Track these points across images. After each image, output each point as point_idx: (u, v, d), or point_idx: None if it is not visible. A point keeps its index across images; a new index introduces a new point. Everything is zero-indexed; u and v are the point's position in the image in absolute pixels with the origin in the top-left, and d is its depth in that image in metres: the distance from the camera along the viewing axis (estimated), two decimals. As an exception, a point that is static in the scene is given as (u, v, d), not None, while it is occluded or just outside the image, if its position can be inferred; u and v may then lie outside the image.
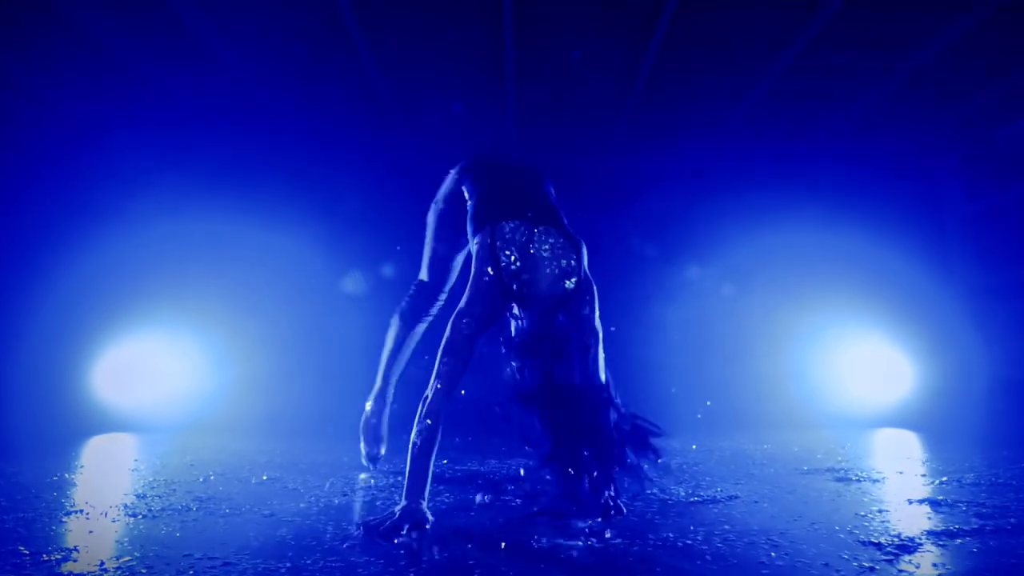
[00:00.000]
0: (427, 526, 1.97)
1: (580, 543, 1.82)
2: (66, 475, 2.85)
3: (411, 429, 2.13)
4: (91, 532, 1.93)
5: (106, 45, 4.09)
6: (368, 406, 2.89)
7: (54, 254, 4.65)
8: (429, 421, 2.11)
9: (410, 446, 2.10)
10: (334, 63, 4.54)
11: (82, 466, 3.14)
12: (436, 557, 1.74)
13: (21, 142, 4.81)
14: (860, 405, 5.06)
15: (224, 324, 4.90)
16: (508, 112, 5.36)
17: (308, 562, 1.66)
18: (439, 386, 2.15)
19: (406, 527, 1.93)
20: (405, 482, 2.06)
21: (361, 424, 2.89)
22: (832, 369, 5.24)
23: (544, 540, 1.85)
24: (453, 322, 2.22)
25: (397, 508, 2.00)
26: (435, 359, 2.21)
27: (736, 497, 2.37)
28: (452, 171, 2.86)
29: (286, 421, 4.67)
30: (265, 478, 2.76)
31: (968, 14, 3.82)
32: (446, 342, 2.20)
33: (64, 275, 4.58)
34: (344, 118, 5.44)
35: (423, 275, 2.99)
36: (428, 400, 2.15)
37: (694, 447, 3.68)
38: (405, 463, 2.08)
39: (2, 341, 4.37)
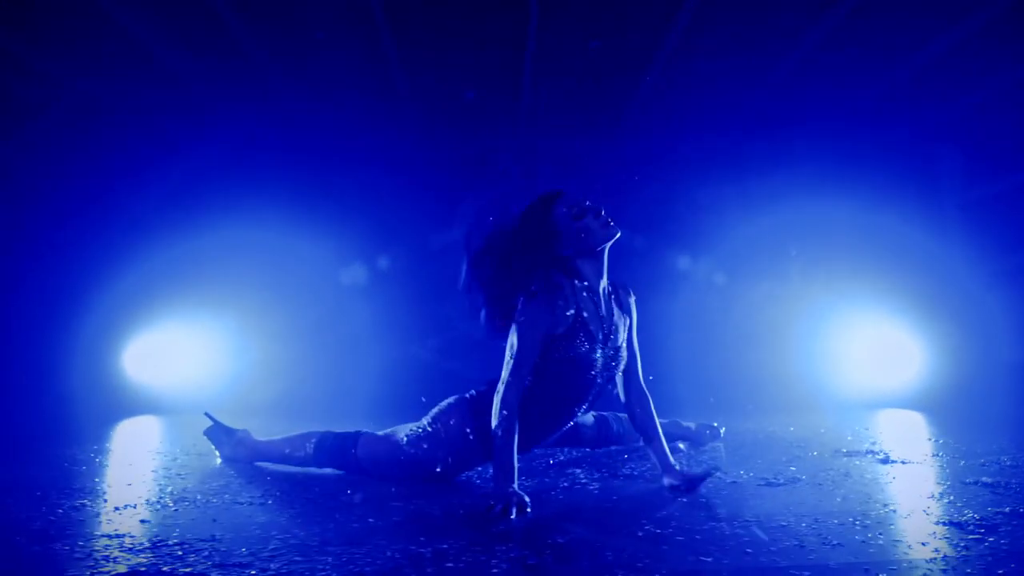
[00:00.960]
0: (527, 508, 1.97)
1: (673, 527, 1.86)
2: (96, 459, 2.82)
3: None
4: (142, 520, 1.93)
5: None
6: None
7: (104, 264, 4.71)
8: (505, 412, 2.14)
9: (493, 439, 2.13)
10: (353, 49, 4.48)
11: (110, 450, 3.11)
12: (560, 540, 1.75)
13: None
14: (863, 387, 5.18)
15: (247, 315, 4.96)
16: (523, 100, 5.34)
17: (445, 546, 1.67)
18: (510, 378, 2.18)
19: (512, 510, 1.93)
20: (494, 473, 2.11)
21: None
22: (835, 351, 5.36)
23: (644, 522, 1.88)
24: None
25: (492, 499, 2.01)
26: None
27: (799, 480, 2.43)
28: None
29: (301, 403, 4.71)
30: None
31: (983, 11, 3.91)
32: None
33: (117, 277, 4.63)
34: (358, 108, 5.38)
35: None
36: (502, 392, 2.17)
37: (723, 431, 3.75)
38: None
39: (63, 333, 4.53)
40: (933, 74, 4.88)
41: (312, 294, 5.21)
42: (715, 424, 3.34)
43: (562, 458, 2.89)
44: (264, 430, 2.88)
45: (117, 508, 2.03)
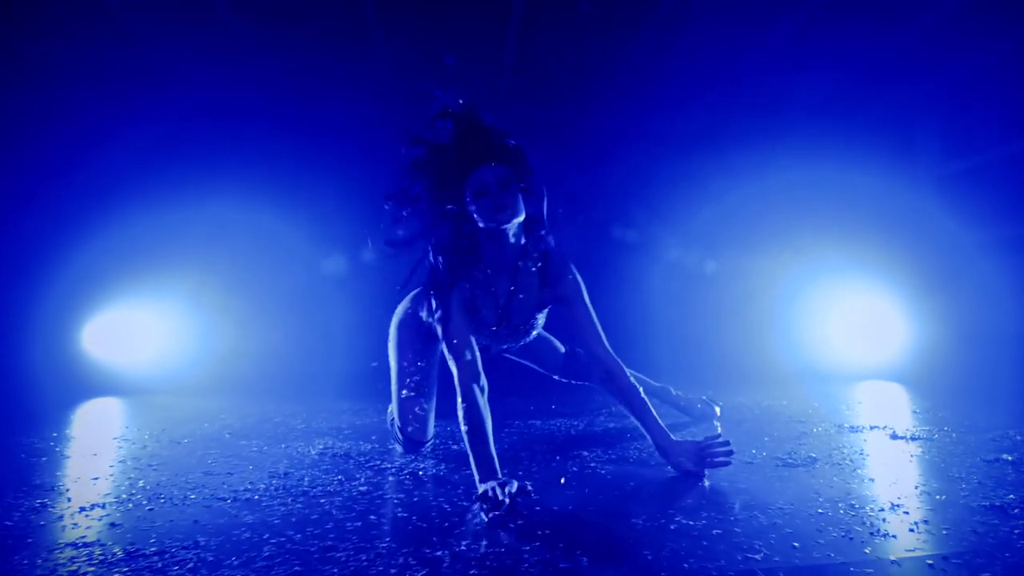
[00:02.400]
0: (529, 488, 1.75)
1: (706, 519, 1.69)
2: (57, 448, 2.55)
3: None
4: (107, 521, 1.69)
5: None
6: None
7: (62, 238, 4.30)
8: (465, 404, 2.02)
9: (465, 438, 1.99)
10: (328, 9, 4.17)
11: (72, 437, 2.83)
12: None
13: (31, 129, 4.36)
14: (842, 358, 5.11)
15: (213, 291, 4.67)
16: (506, 67, 5.08)
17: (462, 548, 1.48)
18: (457, 371, 2.09)
19: (502, 492, 1.72)
20: (475, 471, 1.90)
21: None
22: (815, 321, 5.27)
23: (673, 513, 1.71)
24: None
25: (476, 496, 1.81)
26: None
27: (816, 459, 2.29)
28: None
29: (269, 382, 4.47)
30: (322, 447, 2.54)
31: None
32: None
33: (75, 255, 4.25)
34: (333, 73, 5.05)
35: None
36: (458, 389, 2.06)
37: (719, 409, 3.61)
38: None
39: (16, 311, 4.19)
40: (920, 46, 4.77)
41: (282, 271, 4.93)
42: (704, 398, 3.18)
43: (563, 438, 2.71)
44: (236, 410, 2.63)
45: (83, 509, 1.79)
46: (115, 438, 2.80)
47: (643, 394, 2.30)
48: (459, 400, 2.03)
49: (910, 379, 4.67)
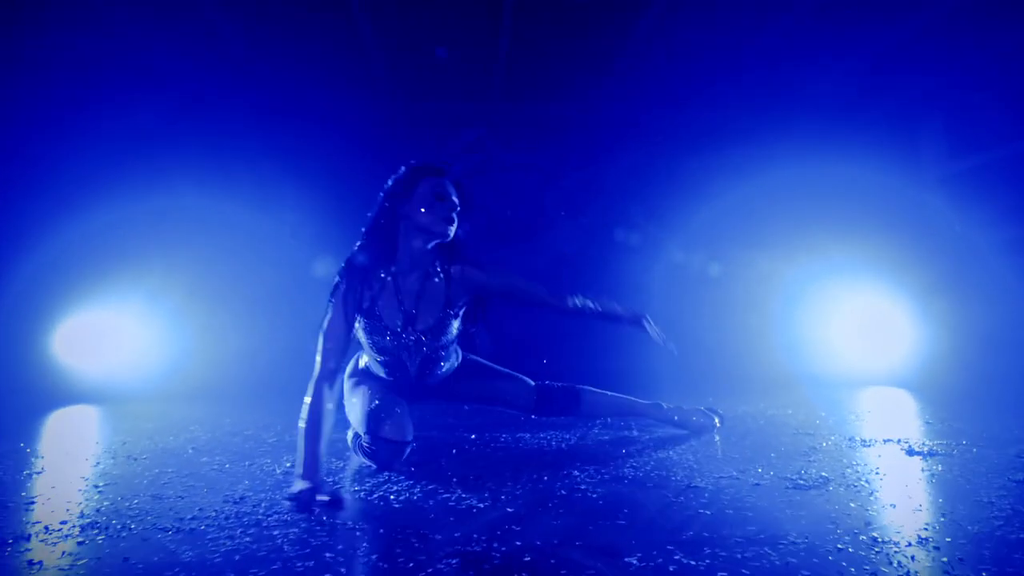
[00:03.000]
0: (340, 506, 1.81)
1: (717, 553, 1.47)
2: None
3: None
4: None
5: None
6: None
7: (24, 227, 4.03)
8: (306, 399, 2.06)
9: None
10: (322, 16, 3.98)
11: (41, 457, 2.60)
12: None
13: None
14: (845, 363, 4.90)
15: (192, 292, 4.40)
16: (500, 59, 4.86)
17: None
18: (315, 366, 2.14)
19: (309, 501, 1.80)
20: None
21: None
22: (818, 326, 5.06)
23: (679, 549, 1.49)
24: None
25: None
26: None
27: (828, 480, 2.07)
28: None
29: (251, 387, 4.24)
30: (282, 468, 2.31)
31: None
32: None
33: (35, 248, 3.98)
34: (318, 65, 4.84)
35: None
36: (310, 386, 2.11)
37: (718, 420, 3.40)
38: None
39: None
40: (923, 42, 4.58)
41: (266, 271, 4.70)
42: (703, 408, 2.97)
43: (553, 454, 2.48)
44: (207, 420, 2.41)
45: (1, 544, 1.56)
46: (67, 454, 2.58)
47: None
48: (306, 397, 2.06)
49: (917, 385, 4.47)
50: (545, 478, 2.12)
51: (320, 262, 5.29)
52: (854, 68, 5.03)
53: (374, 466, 2.27)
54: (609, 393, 2.77)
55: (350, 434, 2.52)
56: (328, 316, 2.20)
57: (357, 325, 2.30)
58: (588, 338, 5.34)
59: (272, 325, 4.65)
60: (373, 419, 2.25)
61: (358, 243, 2.32)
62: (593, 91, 5.39)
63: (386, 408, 2.27)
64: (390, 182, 2.34)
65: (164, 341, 4.36)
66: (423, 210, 2.22)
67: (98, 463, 2.41)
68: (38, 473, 2.27)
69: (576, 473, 2.18)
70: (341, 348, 2.18)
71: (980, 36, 4.47)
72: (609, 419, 3.12)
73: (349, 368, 2.56)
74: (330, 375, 2.11)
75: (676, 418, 2.86)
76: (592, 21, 4.50)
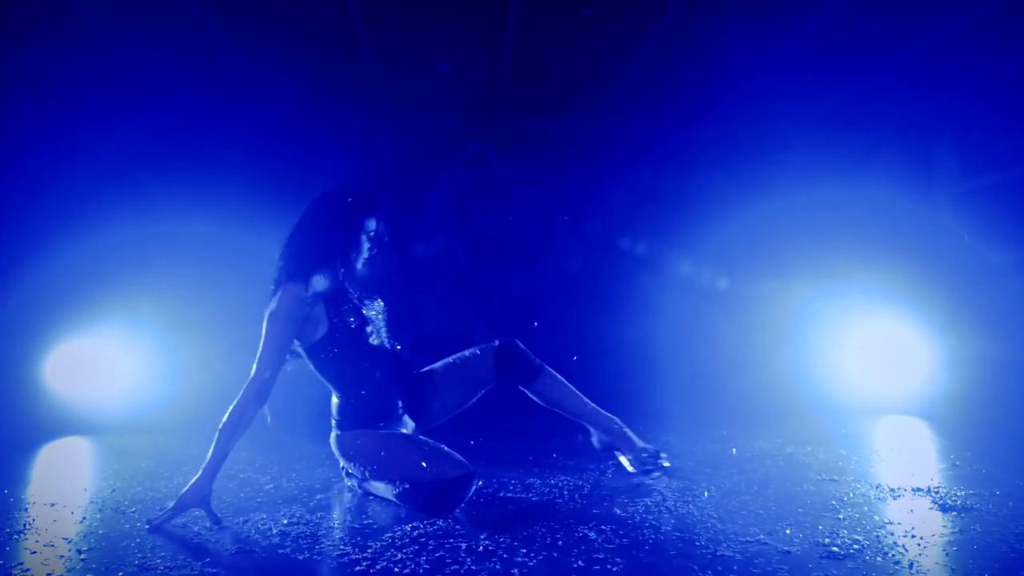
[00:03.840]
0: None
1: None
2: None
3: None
4: None
5: None
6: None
7: (12, 250, 3.90)
8: (238, 408, 2.24)
9: None
10: (310, 8, 3.83)
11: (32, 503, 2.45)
12: None
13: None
14: (860, 389, 4.75)
15: (190, 318, 4.23)
16: (503, 72, 4.73)
17: None
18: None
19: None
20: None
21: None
22: (833, 351, 4.92)
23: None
24: None
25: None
26: None
27: (862, 548, 1.91)
28: None
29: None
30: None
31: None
32: None
33: (25, 272, 3.85)
34: (315, 79, 4.71)
35: None
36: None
37: (735, 451, 3.27)
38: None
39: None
40: (936, 58, 4.46)
41: (258, 294, 4.54)
42: (652, 448, 2.80)
43: (565, 508, 2.34)
44: (203, 457, 2.25)
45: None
46: (52, 504, 2.43)
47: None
48: (239, 400, 2.24)
49: (934, 414, 4.32)
50: (560, 542, 1.98)
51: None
52: (865, 85, 4.91)
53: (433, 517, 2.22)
54: (570, 385, 2.73)
55: (380, 487, 2.40)
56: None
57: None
58: (589, 368, 5.20)
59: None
60: (435, 463, 2.25)
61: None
62: (599, 105, 5.27)
63: (432, 446, 2.32)
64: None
65: (157, 370, 4.21)
66: (373, 241, 2.65)
67: (84, 518, 2.27)
68: (19, 532, 2.12)
69: (592, 536, 2.03)
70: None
71: (992, 53, 4.35)
72: (563, 413, 2.83)
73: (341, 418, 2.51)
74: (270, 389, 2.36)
75: (622, 446, 2.74)
76: (600, 35, 4.38)
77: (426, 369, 2.72)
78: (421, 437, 2.41)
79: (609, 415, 2.77)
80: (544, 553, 1.89)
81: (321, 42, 4.22)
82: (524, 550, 1.91)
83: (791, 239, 5.10)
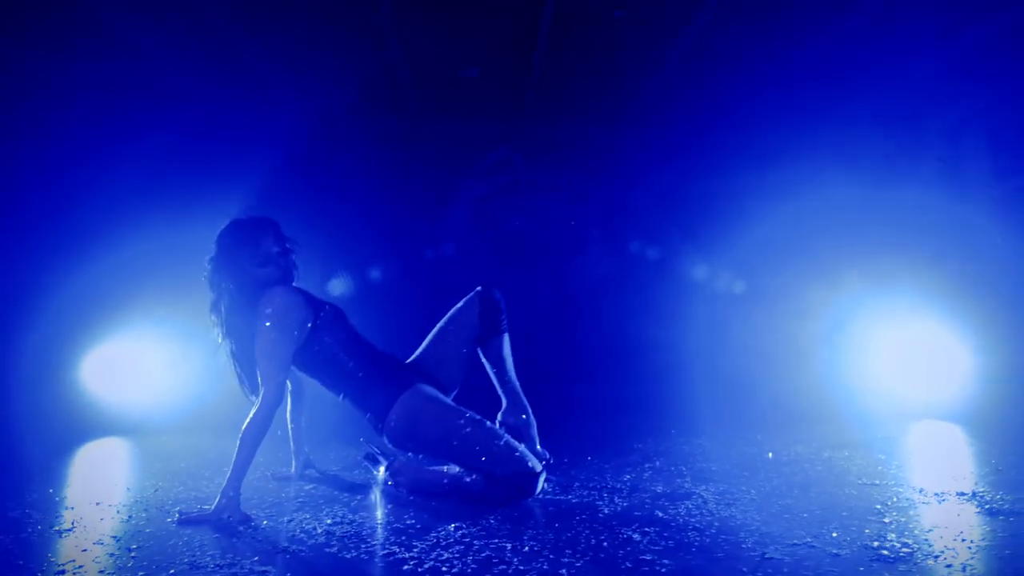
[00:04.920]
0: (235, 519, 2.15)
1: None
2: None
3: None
4: None
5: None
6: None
7: (53, 255, 3.95)
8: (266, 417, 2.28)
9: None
10: (338, 13, 3.85)
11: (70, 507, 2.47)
12: None
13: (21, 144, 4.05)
14: (893, 393, 4.67)
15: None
16: (532, 79, 4.73)
17: None
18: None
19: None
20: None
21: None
22: (864, 353, 4.84)
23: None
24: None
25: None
26: None
27: (912, 551, 1.87)
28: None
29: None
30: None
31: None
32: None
33: (66, 276, 3.90)
34: (343, 84, 4.74)
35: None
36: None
37: (771, 454, 3.22)
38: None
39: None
40: (969, 60, 4.40)
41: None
42: (540, 449, 2.75)
43: (606, 510, 2.31)
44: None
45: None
46: (98, 503, 2.45)
47: None
48: (261, 409, 2.24)
49: (969, 419, 4.23)
50: (605, 543, 1.96)
51: (338, 281, 5.17)
52: (895, 87, 4.85)
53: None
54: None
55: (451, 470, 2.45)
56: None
57: None
58: (620, 366, 5.18)
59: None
60: (508, 460, 2.32)
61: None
62: (626, 110, 5.25)
63: (511, 446, 2.37)
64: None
65: (194, 371, 4.24)
66: (280, 258, 2.54)
67: (130, 517, 2.28)
68: (68, 531, 2.14)
69: (637, 537, 2.01)
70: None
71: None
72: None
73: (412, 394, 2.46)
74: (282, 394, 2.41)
75: (524, 435, 2.66)
76: (629, 40, 4.37)
77: (417, 353, 2.69)
78: (491, 425, 2.41)
79: (526, 404, 2.70)
80: (591, 554, 1.88)
81: (351, 48, 4.25)
82: (569, 551, 1.90)
83: (821, 243, 5.04)
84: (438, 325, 2.70)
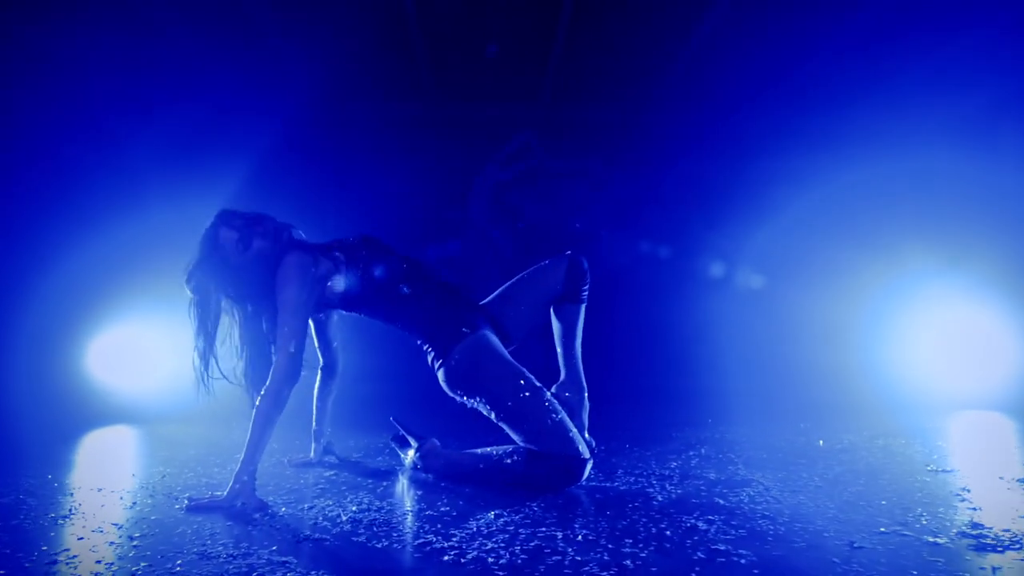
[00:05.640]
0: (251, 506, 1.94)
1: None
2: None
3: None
4: None
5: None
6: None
7: (55, 241, 3.72)
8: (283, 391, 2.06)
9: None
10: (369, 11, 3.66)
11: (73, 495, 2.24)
12: None
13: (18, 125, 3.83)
14: (935, 384, 4.41)
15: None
16: (552, 59, 4.50)
17: None
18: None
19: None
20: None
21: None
22: (904, 342, 4.58)
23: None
24: None
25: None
26: None
27: (1021, 539, 1.63)
28: None
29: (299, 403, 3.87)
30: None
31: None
32: None
33: (68, 257, 3.68)
34: (360, 63, 4.52)
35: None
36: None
37: (821, 442, 2.97)
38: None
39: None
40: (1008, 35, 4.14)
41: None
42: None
43: (659, 498, 2.07)
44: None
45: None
46: (100, 490, 2.22)
47: None
48: (273, 381, 2.02)
49: (1019, 410, 3.97)
50: (667, 532, 1.72)
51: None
52: (931, 66, 4.59)
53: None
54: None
55: (500, 450, 2.22)
56: None
57: None
58: (655, 354, 4.94)
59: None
60: (562, 439, 2.11)
61: None
62: (649, 94, 5.01)
63: (566, 424, 2.15)
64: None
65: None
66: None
67: (134, 503, 2.05)
68: (65, 517, 1.90)
69: (702, 526, 1.76)
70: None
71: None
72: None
73: (472, 343, 2.22)
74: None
75: (577, 414, 2.37)
76: (654, 19, 4.15)
77: (491, 297, 2.47)
78: (551, 397, 2.17)
79: (584, 383, 2.43)
80: (654, 543, 1.63)
81: (371, 27, 4.04)
82: (629, 540, 1.65)
83: (855, 226, 4.80)
84: (518, 275, 2.45)
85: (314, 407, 2.58)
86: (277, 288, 2.11)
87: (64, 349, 3.77)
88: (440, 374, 2.23)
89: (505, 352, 2.24)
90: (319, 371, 2.58)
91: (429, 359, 2.26)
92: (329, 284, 2.23)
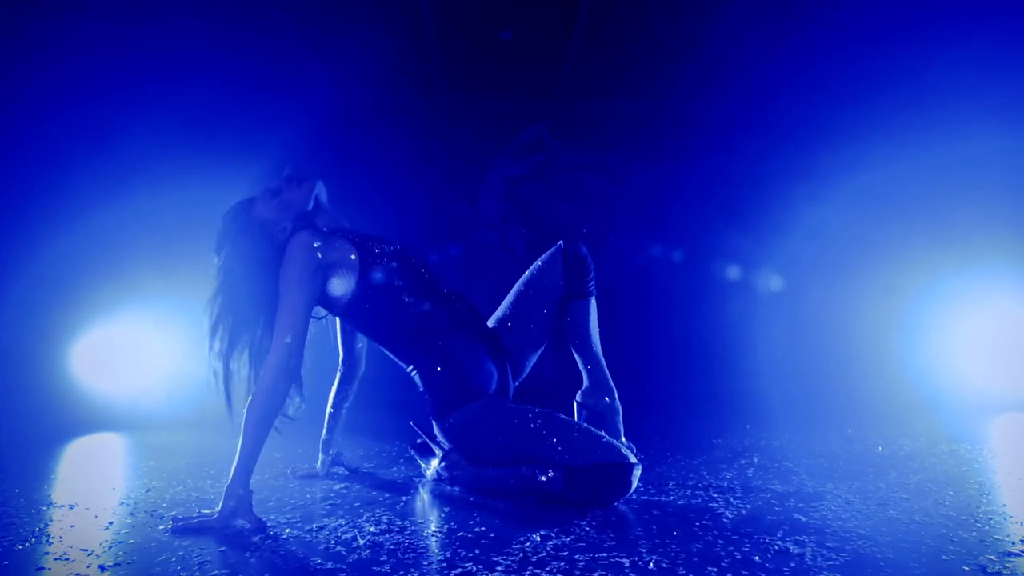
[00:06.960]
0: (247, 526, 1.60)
1: None
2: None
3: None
4: None
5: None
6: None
7: (39, 225, 3.39)
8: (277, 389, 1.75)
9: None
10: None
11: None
12: None
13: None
14: (977, 385, 4.11)
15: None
16: (570, 50, 4.21)
17: None
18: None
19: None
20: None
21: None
22: (943, 343, 4.28)
23: None
24: None
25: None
26: None
27: None
28: None
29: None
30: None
31: None
32: None
33: (50, 248, 3.35)
34: (374, 50, 4.23)
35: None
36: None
37: (880, 448, 2.66)
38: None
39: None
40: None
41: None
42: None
43: (727, 515, 1.75)
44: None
45: None
46: (72, 506, 1.88)
47: None
48: (265, 375, 1.72)
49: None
50: (756, 558, 1.39)
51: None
52: (961, 57, 4.32)
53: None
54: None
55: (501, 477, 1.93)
56: None
57: None
58: (682, 359, 4.63)
59: (315, 339, 3.97)
60: (610, 442, 1.84)
61: None
62: (668, 86, 4.73)
63: (584, 426, 1.90)
64: None
65: (197, 359, 3.67)
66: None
67: (110, 523, 1.71)
68: (24, 541, 1.57)
69: (794, 549, 1.44)
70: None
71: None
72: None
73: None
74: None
75: (608, 423, 2.08)
76: (677, 8, 3.89)
77: (495, 317, 2.14)
78: (563, 416, 1.90)
79: (612, 385, 2.12)
80: (746, 572, 1.31)
81: (383, 18, 3.77)
82: (713, 569, 1.33)
83: (888, 223, 4.51)
84: (516, 287, 2.13)
85: (327, 413, 2.25)
86: (282, 265, 1.80)
87: (45, 349, 3.43)
88: (435, 426, 2.00)
89: (506, 403, 1.99)
90: (337, 374, 2.26)
91: (428, 404, 2.00)
92: (338, 276, 1.90)
